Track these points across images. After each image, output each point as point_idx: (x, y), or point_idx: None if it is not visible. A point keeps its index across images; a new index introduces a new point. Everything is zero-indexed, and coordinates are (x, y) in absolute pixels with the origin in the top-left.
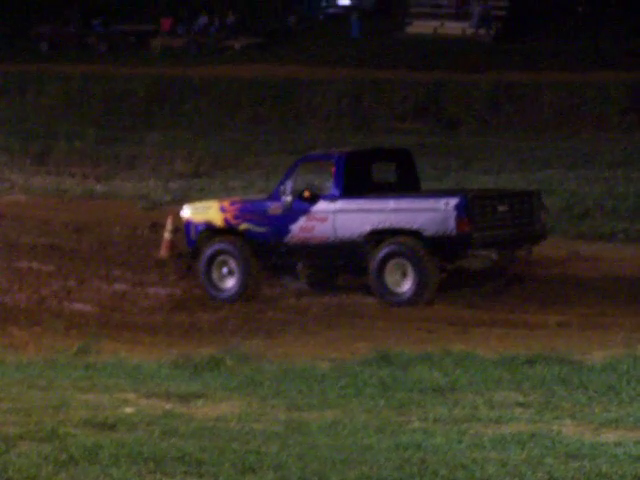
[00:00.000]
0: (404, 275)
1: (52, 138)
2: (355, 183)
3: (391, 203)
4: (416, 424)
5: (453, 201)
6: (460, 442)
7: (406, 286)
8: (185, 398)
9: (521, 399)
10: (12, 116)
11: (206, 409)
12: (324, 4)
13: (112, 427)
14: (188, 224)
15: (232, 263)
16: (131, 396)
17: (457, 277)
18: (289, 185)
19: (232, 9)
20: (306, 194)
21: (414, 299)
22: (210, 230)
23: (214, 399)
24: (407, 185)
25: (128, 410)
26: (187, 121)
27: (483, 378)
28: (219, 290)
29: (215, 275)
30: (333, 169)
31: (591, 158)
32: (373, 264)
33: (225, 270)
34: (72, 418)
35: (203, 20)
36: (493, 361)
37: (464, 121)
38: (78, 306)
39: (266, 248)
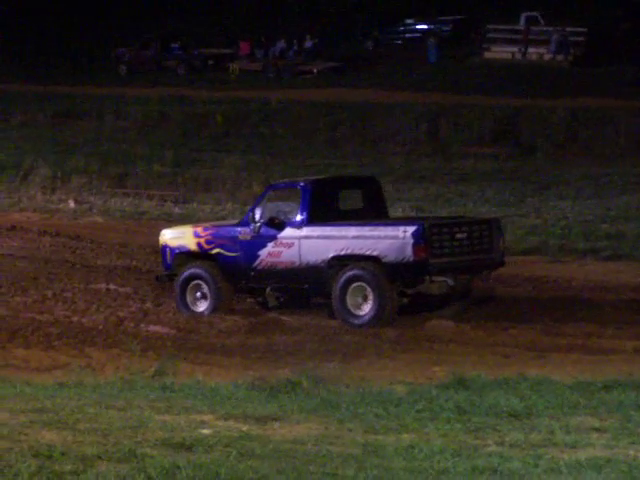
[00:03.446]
0: (365, 298)
1: (130, 160)
2: (320, 211)
3: (352, 230)
4: (492, 448)
5: (410, 229)
6: (536, 467)
7: (366, 309)
8: (262, 420)
9: (597, 424)
10: (91, 139)
11: (283, 431)
12: (401, 29)
13: (189, 448)
14: (164, 248)
15: (205, 287)
16: (208, 417)
17: (422, 301)
18: (258, 212)
19: (310, 33)
20: (274, 221)
21: (374, 321)
22: (184, 254)
23: (291, 421)
24: (374, 212)
25: (205, 431)
26: (264, 144)
27: (559, 403)
28: (193, 313)
29: (189, 298)
30: (299, 197)
31: None
32: (336, 288)
33: (198, 294)
34: (149, 439)
35: (281, 44)
36: (569, 386)
37: (541, 146)
38: (155, 328)
39: (237, 272)
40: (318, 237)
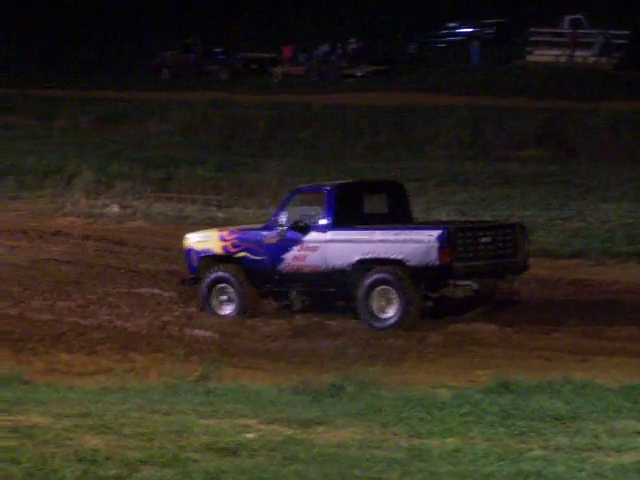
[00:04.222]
0: (389, 302)
1: (173, 165)
2: (345, 215)
3: (377, 234)
4: (537, 452)
5: (435, 233)
6: (581, 470)
7: (390, 312)
8: (306, 424)
9: None
10: (134, 143)
11: (327, 435)
12: (444, 32)
13: (233, 452)
14: (189, 251)
15: (230, 291)
16: (252, 422)
17: (446, 304)
18: (283, 216)
19: (353, 37)
20: (299, 225)
21: (398, 324)
22: (210, 258)
23: (335, 425)
24: (398, 216)
25: (249, 436)
26: (307, 148)
27: (604, 407)
28: (218, 316)
29: (214, 302)
30: (324, 201)
31: None
32: (360, 291)
33: (224, 297)
34: (194, 443)
35: (324, 48)
36: (614, 390)
37: (584, 149)
38: (199, 332)
39: (262, 276)
40: (343, 241)
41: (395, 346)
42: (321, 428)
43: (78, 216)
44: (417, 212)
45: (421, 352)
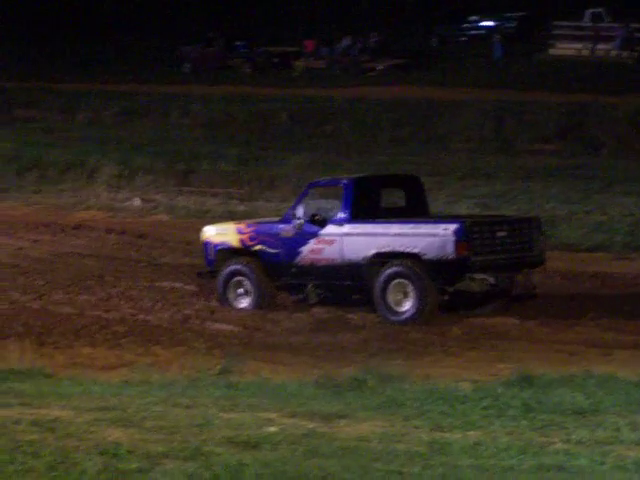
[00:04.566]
0: (405, 295)
1: (195, 159)
2: (363, 208)
3: (394, 228)
4: (558, 446)
5: (452, 226)
6: (603, 464)
7: (407, 305)
8: (328, 418)
9: None
10: (156, 137)
11: (349, 429)
12: (466, 26)
13: (255, 446)
14: (207, 244)
15: (247, 284)
16: (274, 415)
17: (462, 298)
18: (300, 209)
19: (375, 31)
20: (316, 218)
21: (414, 318)
22: (227, 251)
23: (356, 419)
24: (415, 210)
25: (271, 429)
26: (329, 142)
27: (626, 400)
28: (234, 309)
29: (231, 295)
30: (342, 194)
31: None
32: (377, 284)
33: (240, 290)
34: (215, 437)
35: (346, 42)
36: (636, 383)
37: (607, 143)
38: (221, 326)
39: (278, 269)
40: (360, 234)
41: (416, 340)
42: (343, 422)
43: (100, 210)
44: (438, 206)
45: (443, 345)
